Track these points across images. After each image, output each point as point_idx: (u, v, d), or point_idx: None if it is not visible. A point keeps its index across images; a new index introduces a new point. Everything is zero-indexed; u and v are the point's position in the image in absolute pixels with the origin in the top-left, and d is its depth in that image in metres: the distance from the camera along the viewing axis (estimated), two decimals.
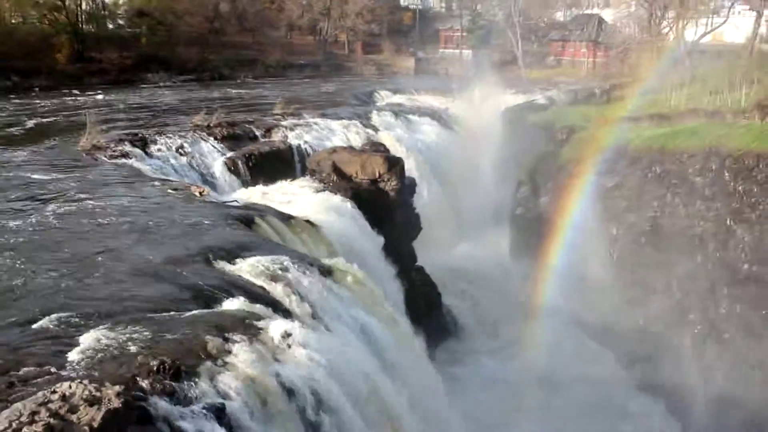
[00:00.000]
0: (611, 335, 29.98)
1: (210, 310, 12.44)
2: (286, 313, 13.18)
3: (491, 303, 32.60)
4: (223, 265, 14.85)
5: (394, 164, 26.72)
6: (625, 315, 30.41)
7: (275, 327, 11.88)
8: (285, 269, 14.83)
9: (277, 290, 14.02)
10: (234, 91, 58.90)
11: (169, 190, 21.46)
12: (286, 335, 11.85)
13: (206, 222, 17.99)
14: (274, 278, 14.37)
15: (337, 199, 23.32)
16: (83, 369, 9.81)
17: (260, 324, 11.93)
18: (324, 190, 24.12)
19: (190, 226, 17.48)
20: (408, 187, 28.32)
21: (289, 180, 25.77)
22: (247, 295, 13.30)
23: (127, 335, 10.93)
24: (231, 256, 15.26)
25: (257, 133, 33.69)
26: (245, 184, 27.24)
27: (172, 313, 12.05)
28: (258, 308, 12.69)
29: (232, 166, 28.34)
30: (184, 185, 22.81)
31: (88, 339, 10.74)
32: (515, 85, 63.68)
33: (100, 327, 11.16)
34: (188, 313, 12.02)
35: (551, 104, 52.24)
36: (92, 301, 12.44)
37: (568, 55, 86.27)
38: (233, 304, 12.65)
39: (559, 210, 34.76)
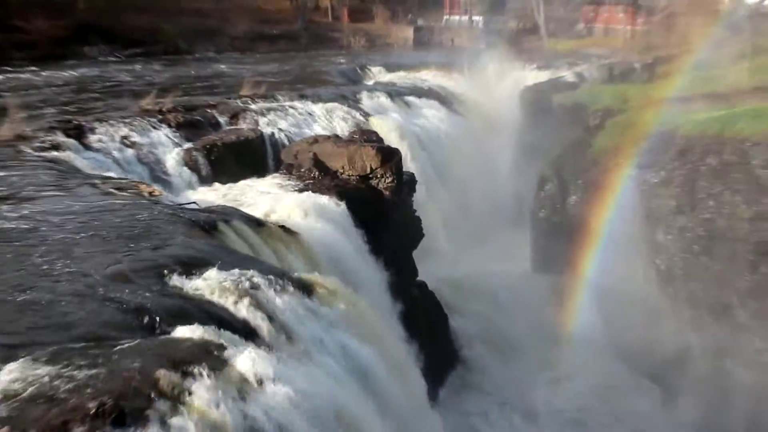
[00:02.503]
0: (658, 366, 29.92)
1: (162, 338, 12.28)
2: (256, 341, 13.06)
3: (509, 326, 32.59)
4: (178, 281, 14.71)
5: (389, 157, 26.65)
6: (676, 341, 30.38)
7: (242, 358, 11.73)
8: (254, 286, 14.72)
9: (244, 312, 13.90)
10: (192, 68, 58.88)
11: (112, 190, 21.32)
12: (256, 368, 11.71)
13: (158, 228, 17.85)
14: (241, 297, 14.24)
15: (319, 200, 23.24)
16: (2, 413, 9.64)
17: (224, 354, 11.78)
18: (303, 189, 24.05)
19: (138, 234, 17.32)
20: (406, 184, 28.27)
21: (260, 176, 25.72)
22: (208, 318, 13.16)
23: (59, 370, 10.74)
24: (188, 271, 15.11)
25: (221, 119, 33.63)
26: (206, 181, 27.18)
27: (114, 341, 11.88)
28: (221, 334, 12.54)
29: (189, 160, 28.27)
30: (130, 184, 22.67)
31: (9, 375, 10.54)
32: (537, 59, 63.96)
33: (25, 360, 10.97)
34: (135, 342, 11.85)
35: (581, 82, 52.34)
36: (15, 328, 12.25)
37: (601, 22, 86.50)
38: (191, 329, 12.47)
39: (592, 212, 34.76)
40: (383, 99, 44.19)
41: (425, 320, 27.62)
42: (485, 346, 31.65)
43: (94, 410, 9.58)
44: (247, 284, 14.76)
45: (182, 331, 12.48)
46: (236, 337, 12.72)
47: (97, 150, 27.41)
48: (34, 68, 53.69)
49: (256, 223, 20.07)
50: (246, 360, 11.68)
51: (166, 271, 15.05)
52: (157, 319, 12.90)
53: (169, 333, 12.48)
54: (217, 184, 25.07)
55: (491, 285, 35.54)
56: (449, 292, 32.83)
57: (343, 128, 35.82)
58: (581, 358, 30.00)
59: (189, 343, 12.10)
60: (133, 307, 13.25)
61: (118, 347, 11.66)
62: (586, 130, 38.20)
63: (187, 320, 12.83)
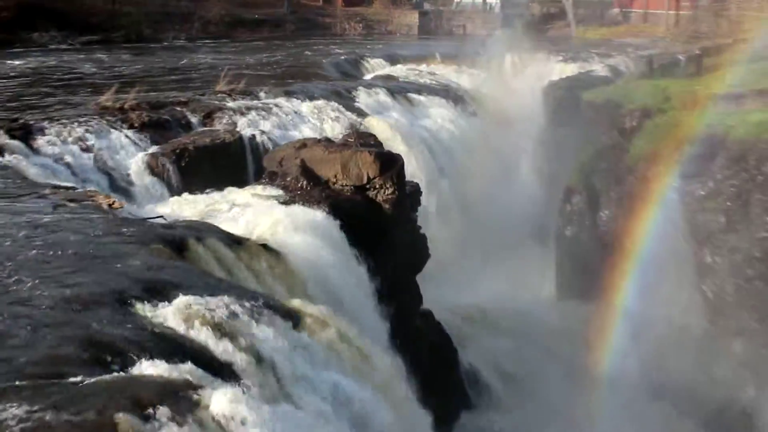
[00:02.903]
0: (704, 411, 29.86)
1: (123, 375, 12.30)
2: (233, 380, 13.07)
3: (530, 362, 32.55)
4: (142, 309, 14.73)
5: (390, 164, 26.69)
6: (728, 381, 30.33)
7: (217, 400, 11.75)
8: (231, 315, 14.74)
9: (219, 346, 13.89)
10: (159, 58, 59.00)
11: (65, 202, 21.37)
12: (233, 411, 11.74)
13: (119, 247, 17.91)
14: (215, 328, 14.26)
15: (307, 214, 23.26)
16: None
17: (195, 395, 11.80)
18: (289, 201, 24.07)
19: (96, 254, 17.38)
20: (409, 196, 28.32)
21: (238, 186, 25.74)
22: (177, 352, 13.17)
23: (3, 413, 10.80)
24: (154, 297, 15.15)
25: (192, 119, 33.73)
26: (175, 191, 27.22)
27: (68, 379, 11.91)
28: (192, 372, 12.58)
29: (155, 167, 28.33)
30: (86, 194, 22.73)
31: None
32: (563, 50, 64.16)
33: None
34: (91, 380, 11.88)
35: (615, 77, 52.58)
36: None
37: (639, 6, 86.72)
38: (157, 366, 12.49)
39: (628, 229, 34.77)
40: (383, 96, 44.29)
41: (432, 356, 27.63)
42: (501, 387, 31.60)
43: None
44: (223, 313, 14.78)
45: (147, 368, 12.48)
46: (209, 375, 12.75)
47: (48, 154, 27.43)
48: None
49: (234, 242, 20.07)
50: (221, 402, 11.69)
51: (128, 297, 15.06)
52: (118, 353, 12.92)
53: (131, 370, 12.51)
54: (187, 195, 25.06)
55: (509, 314, 35.51)
56: (459, 322, 32.84)
57: (335, 130, 35.83)
58: (615, 400, 29.93)
59: (154, 381, 12.10)
60: (90, 339, 13.27)
61: (72, 386, 11.68)
62: (621, 132, 38.24)
63: (153, 355, 12.83)
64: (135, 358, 12.81)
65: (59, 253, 17.33)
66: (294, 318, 15.89)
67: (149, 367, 12.50)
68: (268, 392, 13.38)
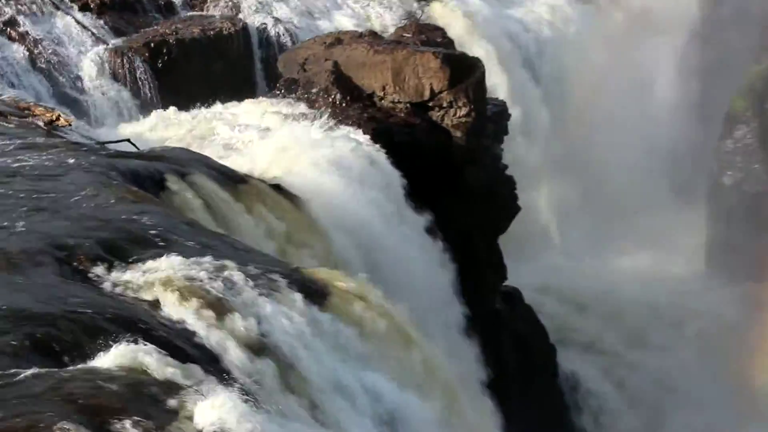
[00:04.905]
0: None
1: (73, 369, 12.47)
2: (227, 378, 13.21)
3: (666, 372, 32.49)
4: (100, 275, 14.90)
5: (465, 73, 26.71)
6: None
7: (203, 407, 11.83)
8: (227, 283, 14.88)
9: (208, 328, 14.05)
10: None
11: None
12: (225, 424, 11.87)
13: (65, 183, 18.08)
14: (203, 303, 14.42)
15: (341, 143, 23.32)
16: None
17: (172, 399, 11.94)
18: (315, 123, 24.15)
19: (33, 193, 17.56)
20: (492, 120, 28.32)
21: (241, 99, 25.86)
22: (149, 337, 13.31)
23: None
24: (117, 257, 15.32)
25: None
26: (148, 104, 27.40)
27: None
28: (171, 366, 12.73)
29: (120, 68, 28.48)
30: (18, 105, 22.96)
31: None
32: None
33: None
34: (28, 372, 12.08)
35: None
36: None
37: None
38: (119, 355, 12.64)
39: None
40: None
41: (519, 353, 27.64)
42: (621, 408, 31.61)
43: None
44: (213, 280, 15.01)
45: (106, 359, 12.69)
46: (195, 371, 12.92)
47: None
48: None
49: (233, 180, 20.19)
50: (208, 411, 11.77)
51: (79, 256, 15.30)
52: (66, 336, 13.12)
53: (85, 360, 12.73)
54: (168, 110, 25.21)
55: (636, 298, 35.36)
56: (560, 308, 32.82)
57: (385, 20, 35.77)
58: None
59: (116, 377, 12.29)
60: (27, 316, 13.47)
61: (4, 380, 11.90)
62: None
63: (114, 339, 13.01)
64: (89, 344, 13.00)
65: None
66: (317, 292, 16.01)
67: (110, 358, 12.67)
68: (275, 396, 13.57)
